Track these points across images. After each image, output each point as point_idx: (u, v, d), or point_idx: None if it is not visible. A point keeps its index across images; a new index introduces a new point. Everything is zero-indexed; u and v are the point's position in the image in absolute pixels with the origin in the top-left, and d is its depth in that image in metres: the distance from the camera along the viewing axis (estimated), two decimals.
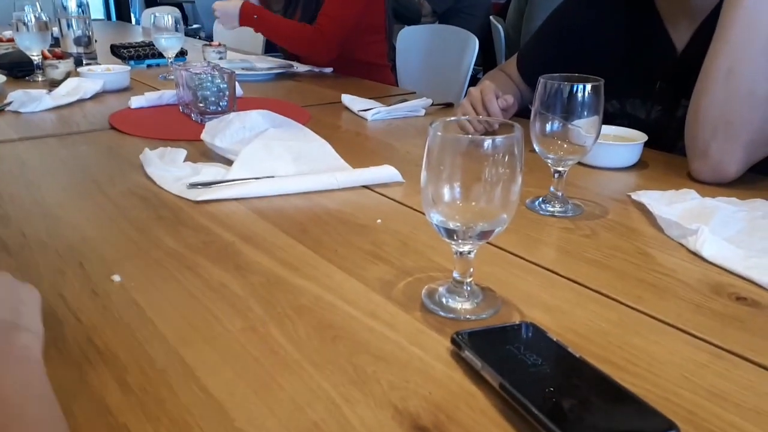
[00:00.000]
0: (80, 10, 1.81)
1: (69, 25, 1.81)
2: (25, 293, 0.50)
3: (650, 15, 1.07)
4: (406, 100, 1.35)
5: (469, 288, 0.57)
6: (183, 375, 0.46)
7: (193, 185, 0.83)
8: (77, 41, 1.82)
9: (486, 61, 3.48)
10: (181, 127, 1.19)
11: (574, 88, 0.71)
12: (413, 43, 2.45)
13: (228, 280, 0.60)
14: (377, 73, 1.88)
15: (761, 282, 0.60)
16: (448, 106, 1.39)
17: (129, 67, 1.61)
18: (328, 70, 1.82)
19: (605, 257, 0.66)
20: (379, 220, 0.75)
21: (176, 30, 1.67)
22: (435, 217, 0.53)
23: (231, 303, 0.56)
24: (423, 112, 1.33)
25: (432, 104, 1.36)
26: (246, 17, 1.78)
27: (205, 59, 1.85)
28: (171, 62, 1.70)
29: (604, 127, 0.95)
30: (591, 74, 0.75)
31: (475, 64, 2.29)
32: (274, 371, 0.46)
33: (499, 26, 3.19)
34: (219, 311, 0.55)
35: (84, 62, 1.78)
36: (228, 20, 1.80)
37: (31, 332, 0.44)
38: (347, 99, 1.37)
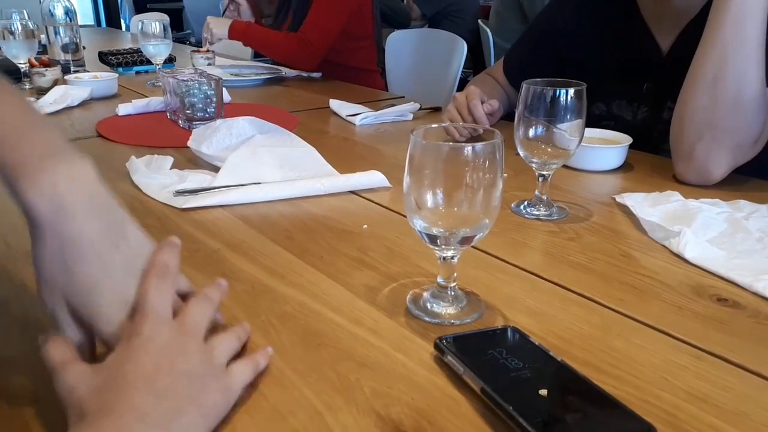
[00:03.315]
0: (67, 17, 1.80)
1: (56, 33, 1.81)
2: (209, 394, 0.41)
3: (634, 18, 1.08)
4: (394, 105, 1.36)
5: (453, 293, 0.57)
6: None
7: (180, 192, 0.83)
8: (65, 48, 1.82)
9: (476, 65, 3.49)
10: (169, 134, 1.19)
11: (557, 93, 0.72)
12: (402, 46, 2.46)
13: None
14: (366, 78, 1.89)
15: (742, 283, 0.61)
16: (436, 110, 1.39)
17: (117, 74, 1.61)
18: (317, 75, 1.83)
19: (589, 260, 0.66)
20: (365, 226, 0.75)
21: (164, 36, 1.67)
22: (418, 223, 0.53)
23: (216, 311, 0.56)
24: (411, 116, 1.33)
25: (420, 108, 1.36)
26: (235, 31, 1.87)
27: (193, 65, 1.85)
28: (159, 69, 1.69)
29: (589, 129, 0.97)
30: (577, 77, 0.76)
31: (464, 68, 2.30)
32: (256, 380, 0.46)
33: (488, 29, 3.21)
34: None
35: (71, 69, 1.78)
36: (218, 32, 1.90)
37: None
38: (335, 104, 1.38)
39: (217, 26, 1.89)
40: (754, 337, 0.53)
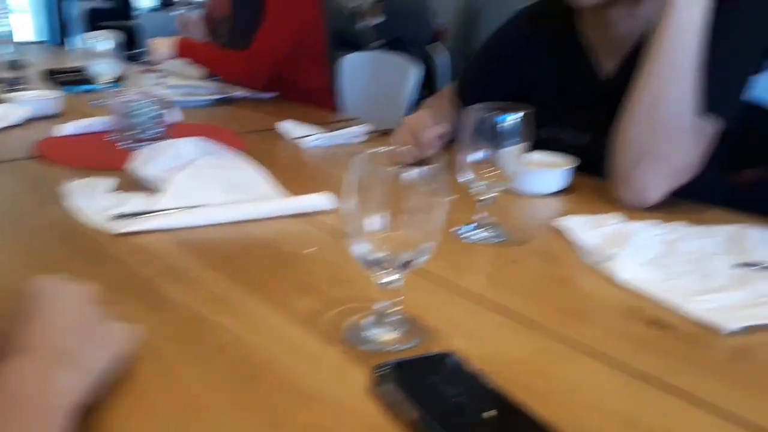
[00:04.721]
0: (8, 33, 1.75)
1: None
2: (109, 333, 0.47)
3: (576, 45, 1.11)
4: (345, 127, 1.36)
5: (394, 318, 0.57)
6: (84, 425, 0.43)
7: (118, 216, 0.81)
8: (6, 66, 1.76)
9: (430, 88, 3.54)
10: (112, 155, 1.16)
11: (501, 117, 0.73)
12: (357, 69, 2.48)
13: (144, 318, 0.58)
14: (319, 99, 1.89)
15: (674, 305, 0.62)
16: (388, 132, 1.39)
17: (60, 93, 1.56)
18: (269, 95, 1.82)
19: (528, 283, 0.67)
20: (310, 250, 0.74)
21: (113, 55, 1.64)
22: (359, 248, 0.53)
23: (145, 344, 0.54)
24: (363, 138, 1.33)
25: (372, 131, 1.37)
26: (181, 49, 1.86)
27: (142, 85, 1.82)
28: (106, 88, 1.66)
29: (534, 153, 0.98)
30: (525, 101, 0.77)
31: (419, 90, 2.32)
32: (185, 416, 0.45)
33: (440, 53, 3.27)
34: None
35: (13, 88, 1.72)
36: (164, 53, 1.88)
37: (82, 372, 0.42)
38: (286, 125, 1.37)
39: (162, 46, 1.86)
40: (685, 358, 0.54)
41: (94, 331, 0.46)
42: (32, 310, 0.45)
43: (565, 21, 1.12)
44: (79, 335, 0.44)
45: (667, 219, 0.83)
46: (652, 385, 0.50)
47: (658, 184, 0.88)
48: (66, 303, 0.46)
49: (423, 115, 1.09)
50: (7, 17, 1.76)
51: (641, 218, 0.82)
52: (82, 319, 0.46)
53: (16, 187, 0.96)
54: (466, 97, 1.26)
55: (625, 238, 0.74)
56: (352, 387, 0.49)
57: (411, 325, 0.58)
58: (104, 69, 1.64)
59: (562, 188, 0.98)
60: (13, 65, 1.77)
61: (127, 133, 1.18)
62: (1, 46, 1.75)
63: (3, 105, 1.41)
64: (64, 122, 1.31)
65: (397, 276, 0.54)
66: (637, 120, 0.89)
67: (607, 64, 1.09)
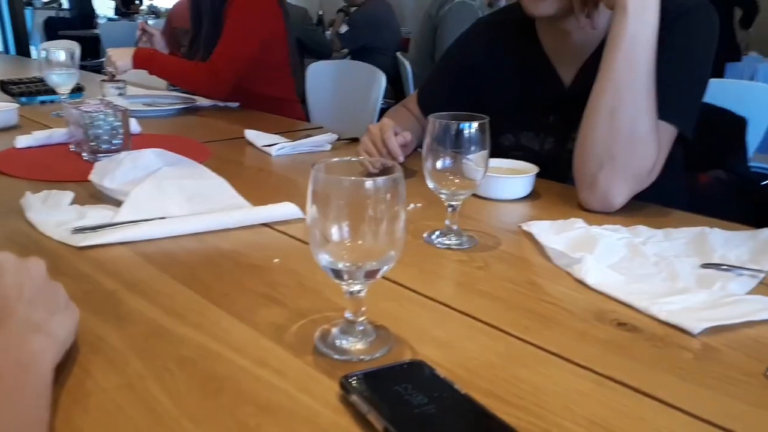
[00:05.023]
0: None
1: None
2: (66, 306, 0.53)
3: (537, 53, 1.13)
4: (311, 135, 1.35)
5: (362, 327, 0.56)
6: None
7: (78, 230, 0.79)
8: None
9: (397, 96, 3.57)
10: (71, 167, 1.13)
11: (461, 126, 0.73)
12: (322, 77, 2.48)
13: (107, 332, 0.56)
14: (285, 108, 1.88)
15: (640, 307, 0.63)
16: (354, 140, 1.39)
17: (17, 104, 1.52)
18: (234, 104, 1.80)
19: (496, 289, 0.67)
20: (276, 260, 0.73)
21: (71, 65, 1.60)
22: (323, 258, 0.52)
23: (108, 358, 0.52)
24: (329, 147, 1.33)
25: (338, 139, 1.36)
26: (139, 60, 1.81)
27: (103, 95, 1.78)
28: (64, 99, 1.61)
29: (498, 160, 1.00)
30: (487, 109, 0.78)
31: (386, 98, 2.33)
32: (151, 430, 0.43)
33: (406, 61, 3.29)
34: (94, 367, 0.51)
35: None
36: (122, 64, 1.82)
37: (51, 337, 0.47)
38: (251, 134, 1.35)
39: (120, 57, 1.81)
40: (650, 360, 0.55)
41: (56, 302, 0.52)
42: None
43: (527, 29, 1.14)
44: (44, 306, 0.50)
45: (631, 223, 0.84)
46: (619, 388, 0.50)
47: (621, 188, 0.90)
48: (28, 278, 0.51)
49: (386, 123, 1.09)
50: None
51: (605, 222, 0.84)
52: (45, 292, 0.51)
53: None
54: (428, 105, 1.26)
55: (591, 242, 0.75)
56: (322, 397, 0.48)
57: (379, 333, 0.57)
58: (62, 79, 1.60)
59: (527, 194, 0.99)
60: None
61: (86, 145, 1.15)
62: None
63: None
64: (22, 134, 1.27)
65: (362, 285, 0.54)
66: (598, 126, 0.90)
67: (568, 73, 1.11)
